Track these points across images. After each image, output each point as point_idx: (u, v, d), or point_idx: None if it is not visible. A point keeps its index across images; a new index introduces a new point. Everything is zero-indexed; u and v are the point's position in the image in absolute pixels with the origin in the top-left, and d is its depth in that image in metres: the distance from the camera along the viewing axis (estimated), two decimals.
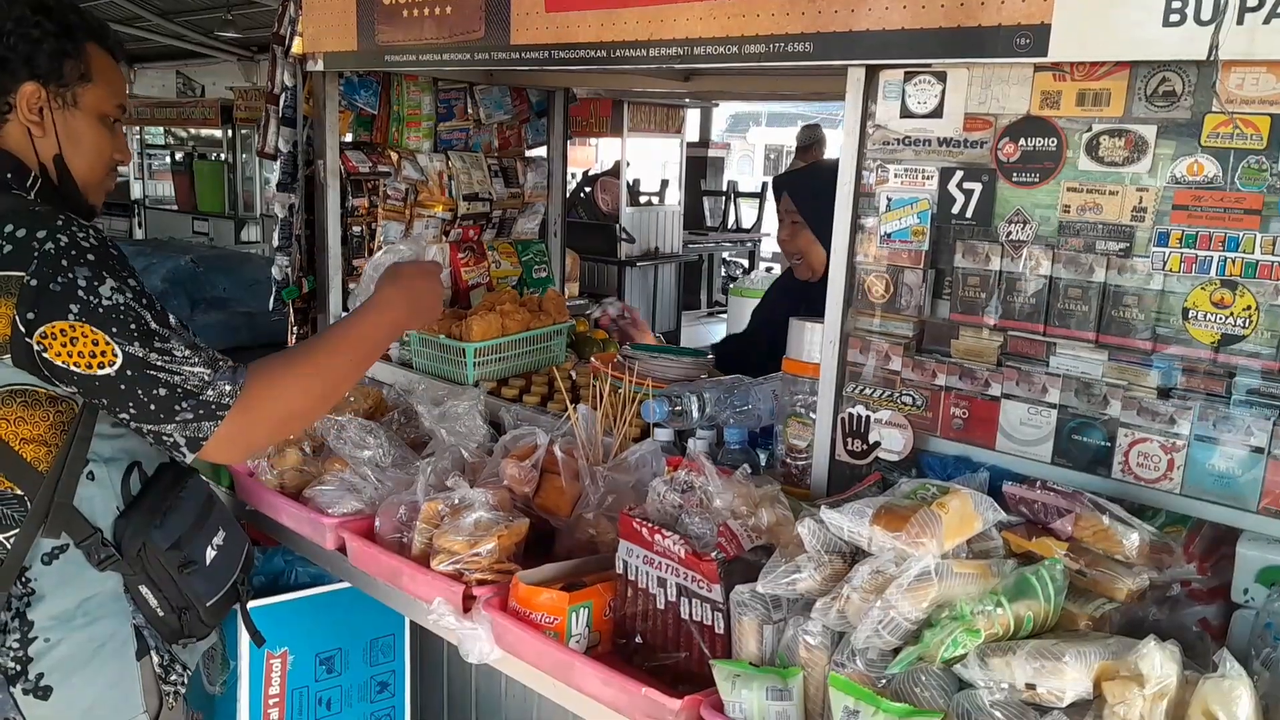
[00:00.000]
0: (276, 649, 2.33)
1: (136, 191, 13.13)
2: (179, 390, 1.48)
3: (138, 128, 12.83)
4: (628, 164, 8.90)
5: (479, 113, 3.26)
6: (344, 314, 2.99)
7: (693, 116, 10.41)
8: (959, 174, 1.67)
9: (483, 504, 1.82)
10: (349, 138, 3.07)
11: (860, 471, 1.81)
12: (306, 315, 3.06)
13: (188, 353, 1.49)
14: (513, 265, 3.39)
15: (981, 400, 1.67)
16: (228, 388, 1.50)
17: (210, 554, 1.82)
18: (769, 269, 10.18)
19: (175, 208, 12.59)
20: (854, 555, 1.39)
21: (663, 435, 2.18)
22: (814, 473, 1.87)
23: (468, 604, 1.70)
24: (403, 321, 1.79)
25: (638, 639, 1.62)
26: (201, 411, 1.49)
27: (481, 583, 1.73)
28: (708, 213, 11.50)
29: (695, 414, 2.17)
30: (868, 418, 1.79)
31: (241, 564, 1.95)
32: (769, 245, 11.79)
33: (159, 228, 12.01)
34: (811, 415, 1.90)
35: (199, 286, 4.10)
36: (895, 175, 1.73)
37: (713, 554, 1.50)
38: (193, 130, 12.54)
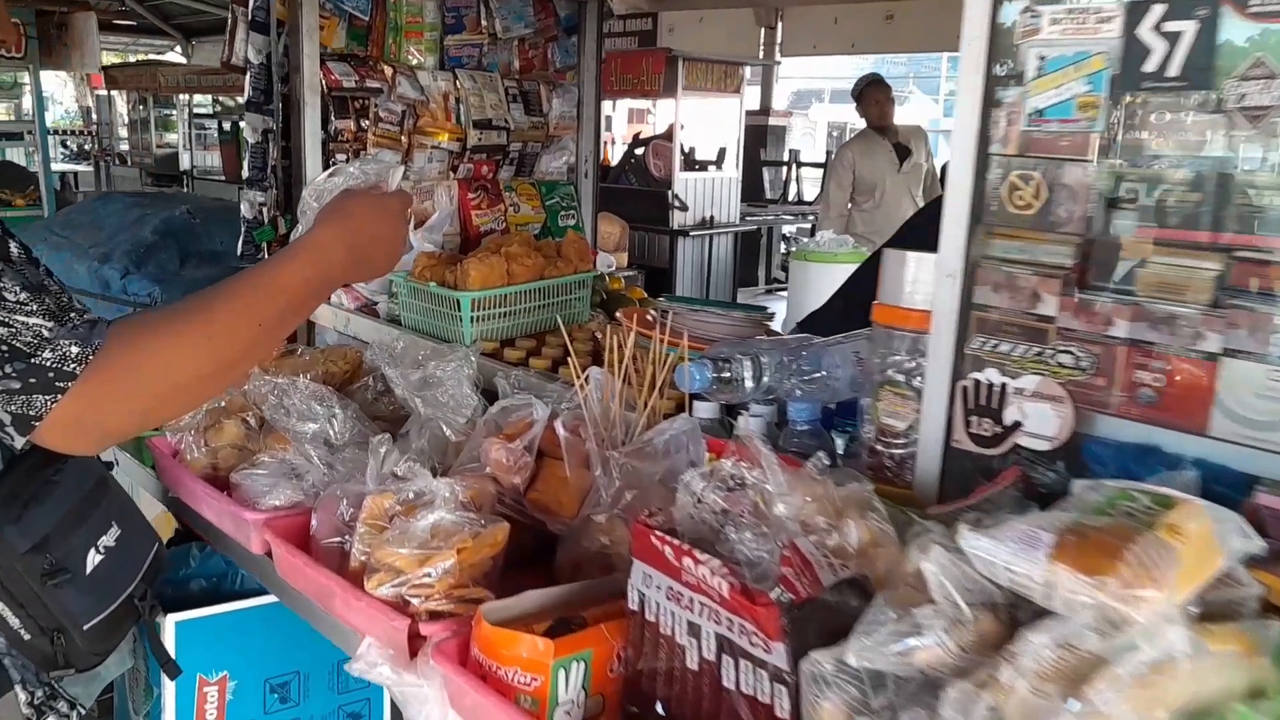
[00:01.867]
0: (213, 674, 1.84)
1: (185, 162, 12.89)
2: (2, 347, 1.04)
3: (185, 95, 12.57)
4: (682, 127, 8.30)
5: (494, 25, 2.72)
6: None
7: (751, 92, 9.76)
8: (1157, 9, 1.08)
9: (447, 500, 1.29)
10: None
11: (990, 465, 1.25)
12: None
13: (23, 296, 1.07)
14: (534, 210, 2.86)
15: (1187, 359, 1.09)
16: (75, 350, 1.05)
17: (93, 559, 1.38)
18: None
19: (223, 178, 12.32)
20: (1013, 608, 0.83)
21: (704, 411, 1.64)
22: (919, 466, 1.31)
23: (415, 646, 1.18)
24: (339, 271, 1.29)
25: (658, 709, 1.08)
26: (34, 380, 1.05)
27: (436, 615, 1.20)
28: (767, 184, 10.84)
29: (748, 382, 1.62)
30: (1003, 387, 1.22)
31: (144, 571, 1.47)
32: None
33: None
34: (915, 384, 1.33)
35: (194, 239, 3.64)
36: (1052, 20, 1.15)
37: (773, 592, 0.95)
38: (239, 99, 12.22)
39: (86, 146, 14.99)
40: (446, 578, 1.18)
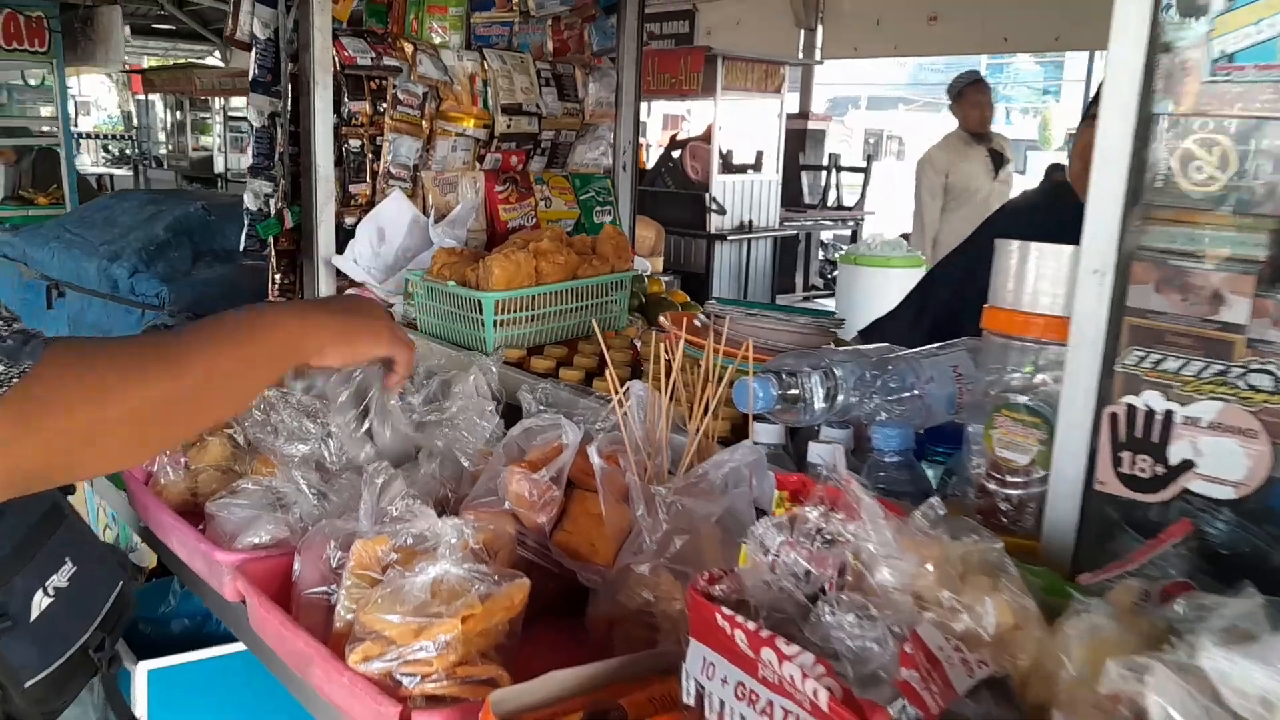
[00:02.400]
0: None
1: (220, 165, 12.83)
2: None
3: (221, 99, 12.51)
4: (720, 128, 8.04)
5: (527, 1, 2.47)
6: (335, 259, 2.24)
7: (789, 96, 9.48)
8: None
9: (453, 548, 1.03)
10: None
11: (1145, 514, 0.97)
12: (294, 261, 2.33)
13: None
14: (568, 205, 2.60)
15: None
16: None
17: (40, 603, 1.18)
18: None
19: None
20: None
21: (765, 435, 1.37)
22: (1049, 513, 1.03)
23: None
24: (321, 336, 1.10)
25: None
26: None
27: (434, 700, 0.94)
28: (806, 189, 10.56)
29: (819, 401, 1.35)
30: (1168, 415, 0.94)
31: (103, 617, 1.24)
32: (873, 225, 10.81)
33: None
34: (1044, 408, 1.06)
35: (208, 236, 3.43)
36: None
37: (893, 706, 0.68)
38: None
39: (127, 151, 15.04)
40: (448, 653, 0.92)
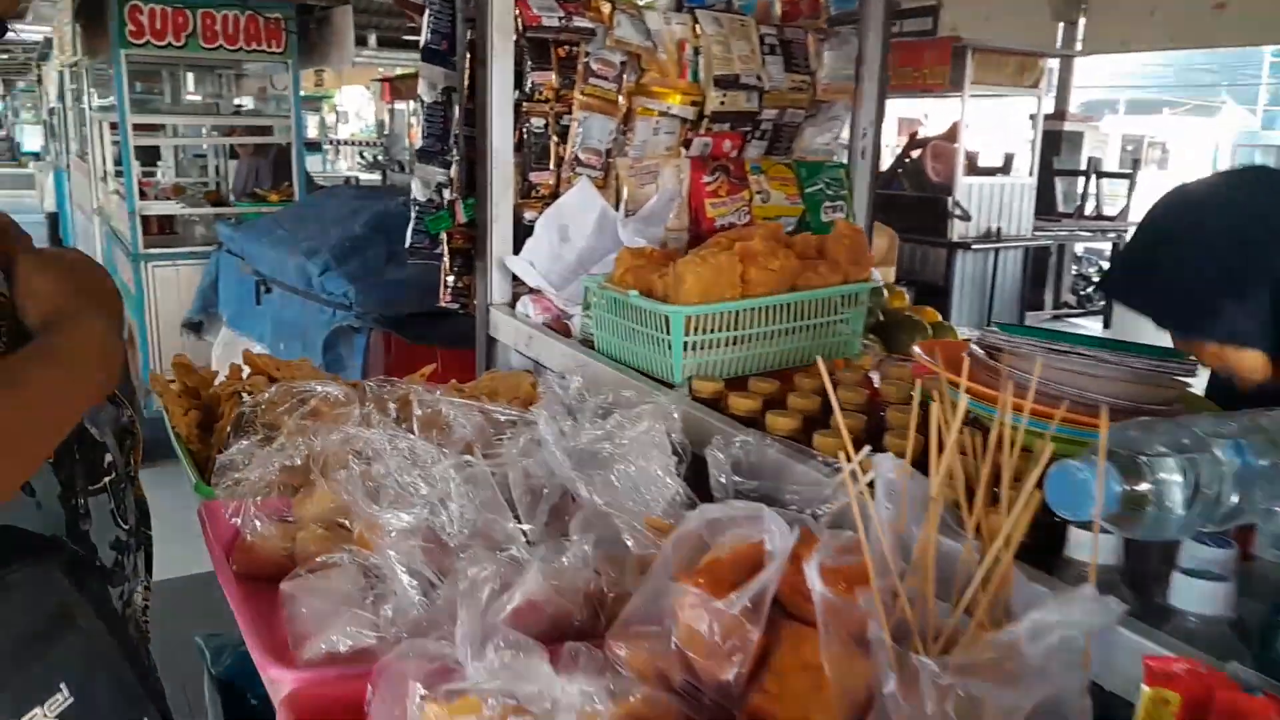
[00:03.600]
0: None
1: None
2: None
3: None
4: (966, 126, 7.27)
5: None
6: (509, 260, 1.89)
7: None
8: None
9: None
10: None
11: None
12: (469, 261, 2.00)
13: None
14: (790, 199, 2.14)
15: None
16: None
17: None
18: None
19: None
20: None
21: (1101, 550, 0.86)
22: None
23: None
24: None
25: None
26: None
27: None
28: (1060, 196, 9.50)
29: (1178, 507, 0.83)
30: None
31: None
32: None
33: None
34: None
35: (405, 234, 3.20)
36: None
37: None
38: None
39: (378, 156, 15.94)
40: None
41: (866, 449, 0.90)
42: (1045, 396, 1.07)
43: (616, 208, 1.94)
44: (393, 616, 0.94)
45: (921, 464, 1.10)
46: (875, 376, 1.60)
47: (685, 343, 1.39)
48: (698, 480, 1.16)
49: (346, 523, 1.16)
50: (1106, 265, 9.32)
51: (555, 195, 1.93)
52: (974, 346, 1.24)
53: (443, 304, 2.04)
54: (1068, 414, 0.90)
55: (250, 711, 1.39)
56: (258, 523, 1.14)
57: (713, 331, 1.40)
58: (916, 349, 1.24)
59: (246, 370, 1.45)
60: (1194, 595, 0.82)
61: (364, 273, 3.08)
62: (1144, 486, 0.83)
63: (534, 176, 1.91)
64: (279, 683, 0.88)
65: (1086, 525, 0.84)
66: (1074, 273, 9.39)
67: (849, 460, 0.86)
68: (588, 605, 1.02)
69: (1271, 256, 1.12)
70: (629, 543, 1.04)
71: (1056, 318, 8.95)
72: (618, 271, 1.54)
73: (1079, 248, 9.43)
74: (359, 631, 0.92)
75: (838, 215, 2.16)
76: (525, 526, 1.08)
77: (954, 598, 0.83)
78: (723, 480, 1.03)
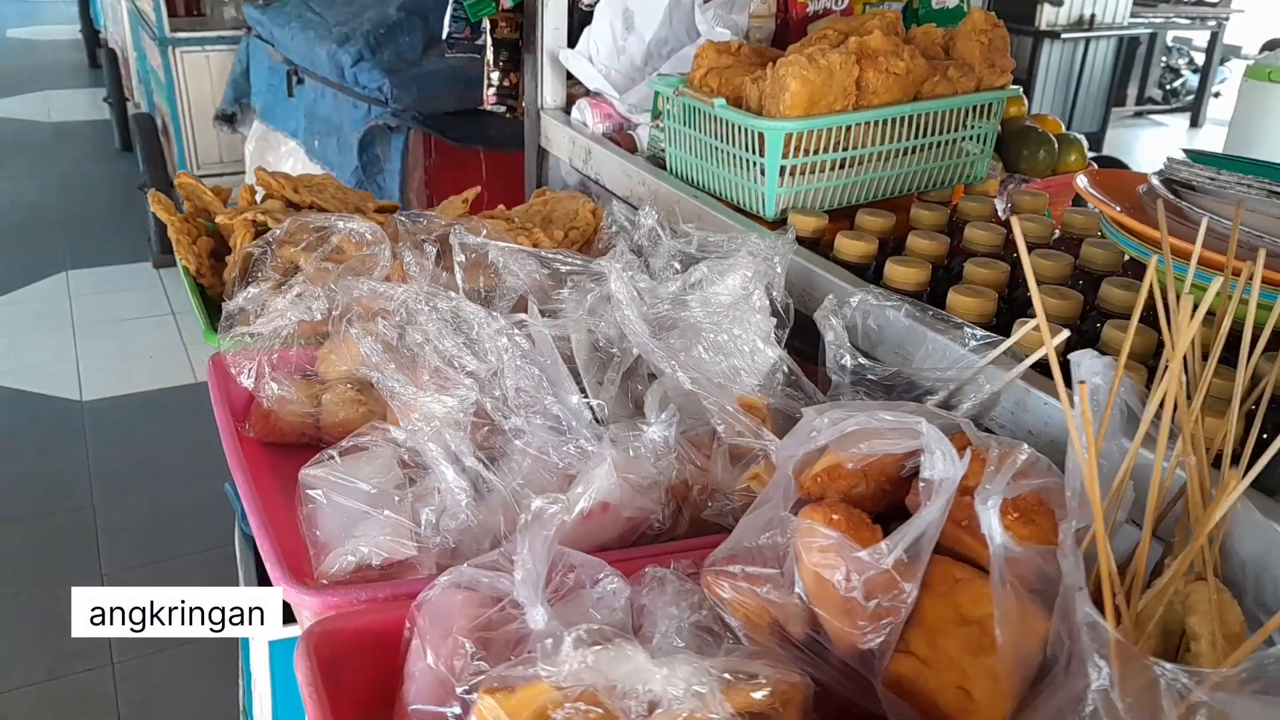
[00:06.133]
0: None
1: None
2: None
3: None
4: None
5: None
6: (565, 54, 1.60)
7: None
8: None
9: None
10: None
11: None
12: (516, 54, 1.72)
13: None
14: None
15: None
16: None
17: None
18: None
19: None
20: None
21: None
22: None
23: None
24: None
25: None
26: None
27: None
28: None
29: None
30: None
31: None
32: (1239, 29, 8.74)
33: None
34: None
35: (443, 20, 2.86)
36: None
37: None
38: None
39: None
40: None
41: (1064, 333, 0.68)
42: (1249, 250, 0.83)
43: None
44: (436, 521, 0.77)
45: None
46: (999, 206, 1.35)
47: (782, 167, 1.13)
48: (800, 340, 0.95)
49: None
50: (1200, 57, 8.55)
51: None
52: (1155, 182, 0.98)
53: (487, 106, 1.78)
54: None
55: None
56: (275, 384, 0.96)
57: (818, 153, 1.15)
58: (1084, 185, 0.98)
59: (261, 192, 1.23)
60: None
61: (400, 64, 2.78)
62: None
63: None
64: (299, 607, 0.72)
65: None
66: (1163, 64, 8.68)
67: (1048, 343, 0.64)
68: (669, 501, 0.84)
69: None
70: (719, 428, 0.85)
71: (1139, 114, 8.34)
72: (698, 72, 1.27)
73: (1169, 37, 8.66)
74: (395, 540, 0.75)
75: (951, 2, 1.82)
76: (594, 402, 0.88)
77: (1146, 527, 0.63)
78: (844, 362, 0.82)
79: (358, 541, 0.75)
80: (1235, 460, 0.67)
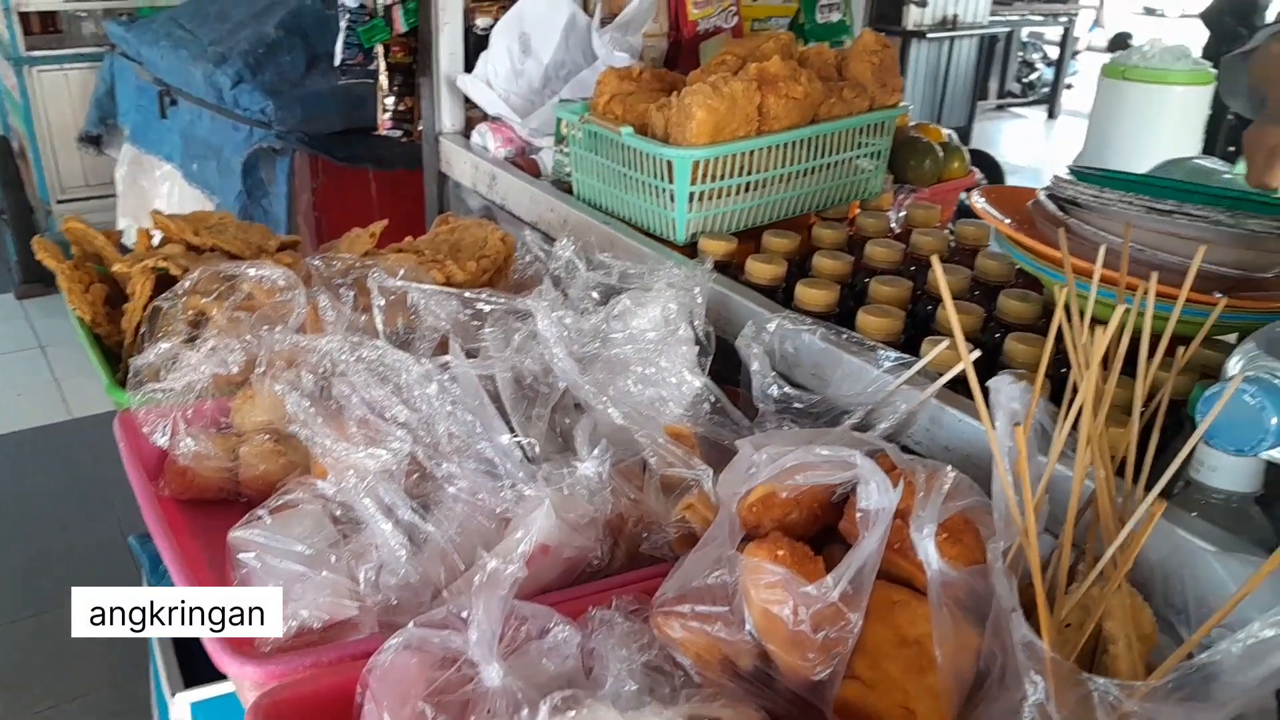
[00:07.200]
0: None
1: None
2: None
3: None
4: None
5: None
6: (463, 79, 1.60)
7: None
8: None
9: None
10: None
11: None
12: (411, 78, 1.70)
13: None
14: None
15: None
16: None
17: None
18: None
19: None
20: None
21: (1233, 478, 0.70)
22: None
23: None
24: None
25: None
26: None
27: None
28: None
29: None
30: None
31: None
32: (1088, 23, 9.28)
33: None
34: None
35: (326, 37, 2.79)
36: None
37: None
38: None
39: None
40: None
41: (976, 353, 0.72)
42: (1135, 264, 0.90)
43: (587, 10, 1.64)
44: (375, 579, 0.76)
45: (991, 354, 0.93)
46: (893, 217, 1.41)
47: (691, 192, 1.16)
48: (718, 363, 0.97)
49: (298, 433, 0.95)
50: (1053, 51, 9.04)
51: None
52: (1043, 199, 1.04)
53: (382, 131, 1.75)
54: (1219, 307, 0.73)
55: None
56: (191, 441, 0.93)
57: (725, 178, 1.17)
58: (979, 202, 1.04)
59: (157, 235, 1.18)
60: None
61: (282, 85, 2.70)
62: None
63: None
64: (240, 680, 0.71)
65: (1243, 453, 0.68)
66: (1020, 59, 9.14)
67: (964, 359, 0.68)
68: (607, 536, 0.85)
69: None
70: (651, 460, 0.86)
71: (1001, 107, 8.75)
72: (601, 99, 1.28)
73: (1024, 33, 9.13)
74: (335, 601, 0.74)
75: (835, 15, 1.88)
76: (524, 440, 0.89)
77: (1063, 533, 0.68)
78: (770, 392, 0.85)
79: (297, 605, 0.74)
80: (1138, 466, 0.72)
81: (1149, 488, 0.68)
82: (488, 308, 0.93)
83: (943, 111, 7.14)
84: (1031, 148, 8.31)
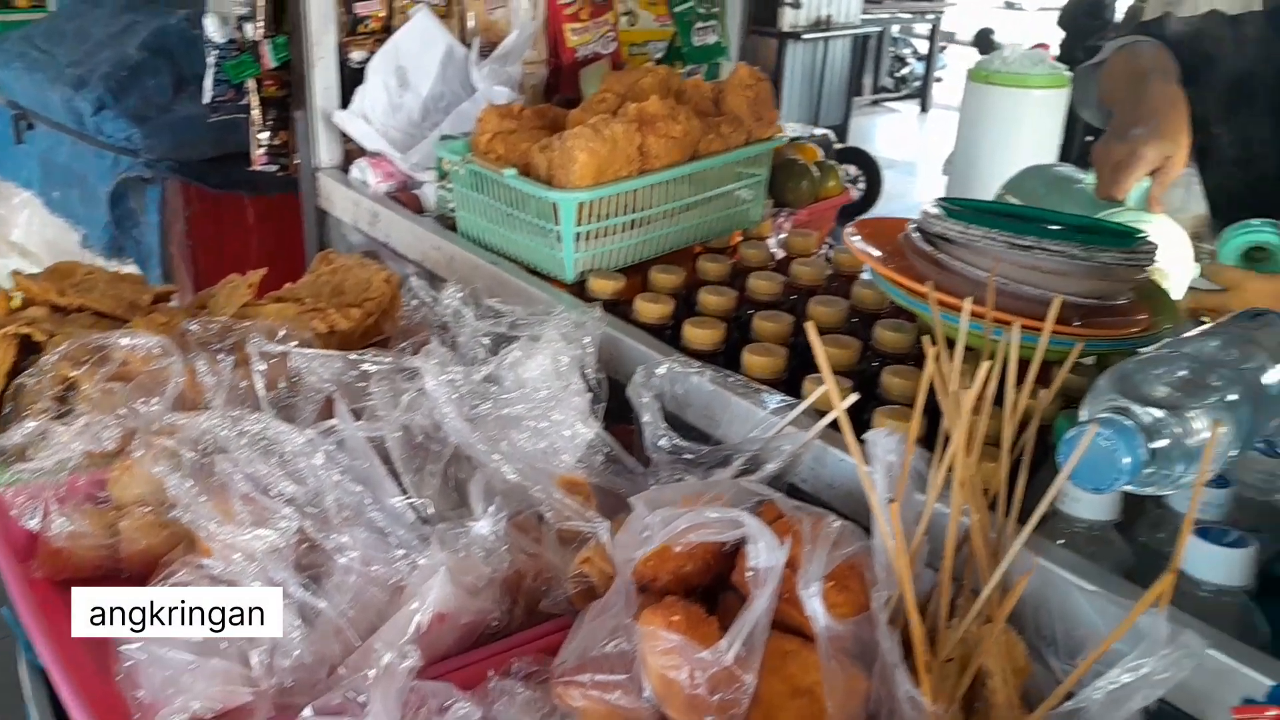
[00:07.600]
0: None
1: None
2: None
3: None
4: None
5: None
6: (339, 116, 1.57)
7: None
8: None
9: None
10: None
11: None
12: (286, 112, 1.66)
13: None
14: (659, 20, 1.87)
15: None
16: None
17: None
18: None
19: None
20: None
21: (1093, 508, 0.76)
22: None
23: None
24: None
25: None
26: None
27: None
28: None
29: (1183, 458, 0.73)
30: None
31: None
32: (957, 20, 9.68)
33: None
34: None
35: (193, 60, 2.69)
36: None
37: None
38: None
39: None
40: None
41: (853, 396, 0.75)
42: (1001, 296, 0.95)
43: (464, 41, 1.63)
44: (269, 662, 0.74)
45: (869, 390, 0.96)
46: (775, 245, 1.44)
47: (577, 233, 1.16)
48: (609, 403, 0.98)
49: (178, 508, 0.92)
50: (922, 47, 9.38)
51: (388, 31, 1.59)
52: (913, 234, 1.08)
53: (256, 166, 1.71)
54: (1058, 327, 0.77)
55: None
56: (64, 519, 0.90)
57: (609, 217, 1.18)
58: (853, 239, 1.08)
59: (17, 296, 1.13)
60: (1209, 563, 0.73)
61: (148, 111, 2.59)
62: (1167, 438, 0.71)
63: (360, 7, 1.56)
64: None
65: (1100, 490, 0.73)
66: (891, 55, 9.45)
67: (838, 406, 0.71)
68: (505, 596, 0.85)
69: None
70: (547, 514, 0.87)
71: (875, 103, 9.02)
72: (482, 137, 1.28)
73: (895, 30, 9.45)
74: (228, 690, 0.73)
75: (712, 38, 1.91)
76: (417, 501, 0.88)
77: (941, 570, 0.71)
78: (661, 444, 0.86)
79: (187, 697, 0.72)
80: (1009, 497, 0.76)
81: (1022, 519, 0.72)
82: (374, 368, 0.92)
83: (820, 110, 7.32)
84: (906, 142, 8.58)
